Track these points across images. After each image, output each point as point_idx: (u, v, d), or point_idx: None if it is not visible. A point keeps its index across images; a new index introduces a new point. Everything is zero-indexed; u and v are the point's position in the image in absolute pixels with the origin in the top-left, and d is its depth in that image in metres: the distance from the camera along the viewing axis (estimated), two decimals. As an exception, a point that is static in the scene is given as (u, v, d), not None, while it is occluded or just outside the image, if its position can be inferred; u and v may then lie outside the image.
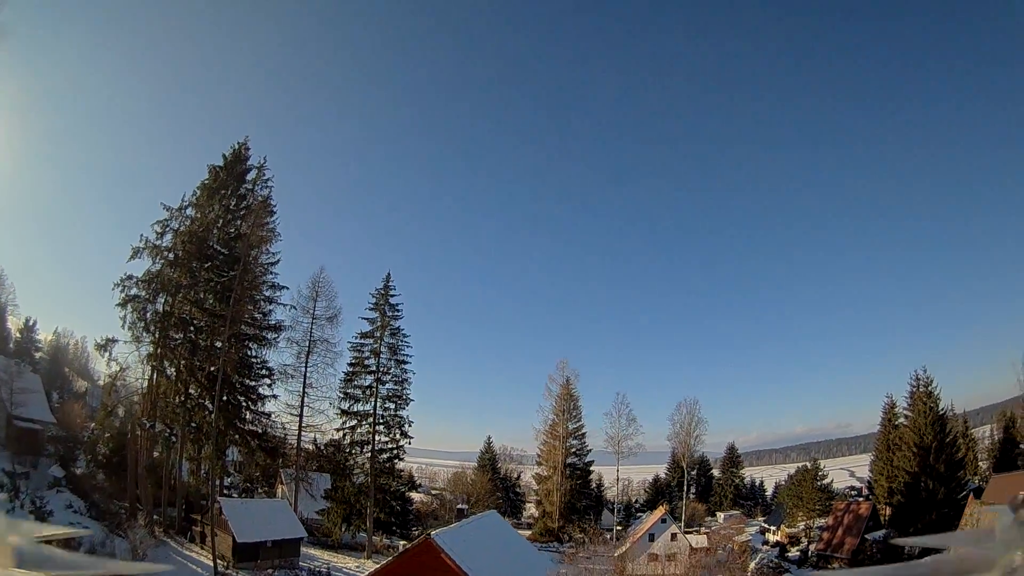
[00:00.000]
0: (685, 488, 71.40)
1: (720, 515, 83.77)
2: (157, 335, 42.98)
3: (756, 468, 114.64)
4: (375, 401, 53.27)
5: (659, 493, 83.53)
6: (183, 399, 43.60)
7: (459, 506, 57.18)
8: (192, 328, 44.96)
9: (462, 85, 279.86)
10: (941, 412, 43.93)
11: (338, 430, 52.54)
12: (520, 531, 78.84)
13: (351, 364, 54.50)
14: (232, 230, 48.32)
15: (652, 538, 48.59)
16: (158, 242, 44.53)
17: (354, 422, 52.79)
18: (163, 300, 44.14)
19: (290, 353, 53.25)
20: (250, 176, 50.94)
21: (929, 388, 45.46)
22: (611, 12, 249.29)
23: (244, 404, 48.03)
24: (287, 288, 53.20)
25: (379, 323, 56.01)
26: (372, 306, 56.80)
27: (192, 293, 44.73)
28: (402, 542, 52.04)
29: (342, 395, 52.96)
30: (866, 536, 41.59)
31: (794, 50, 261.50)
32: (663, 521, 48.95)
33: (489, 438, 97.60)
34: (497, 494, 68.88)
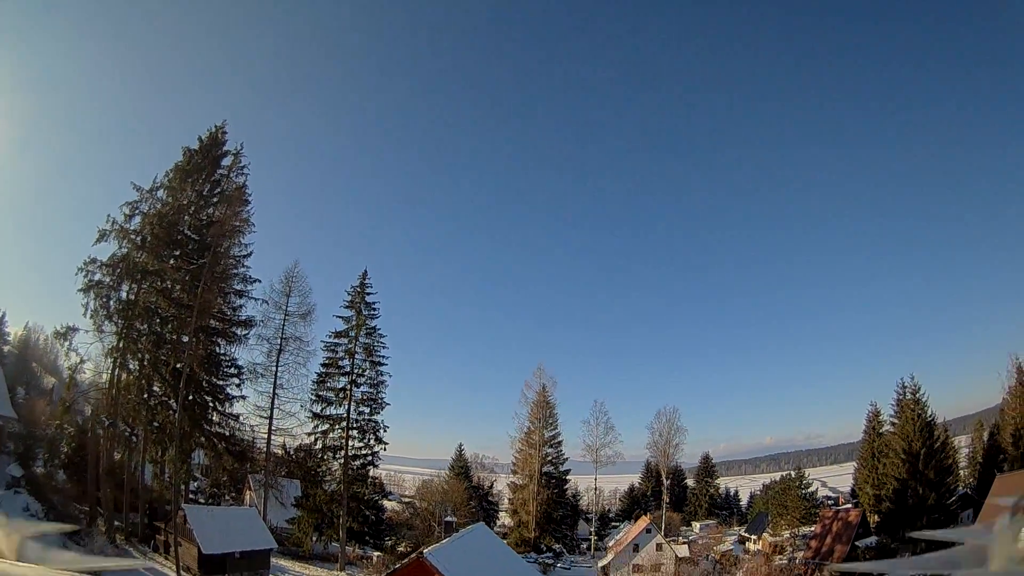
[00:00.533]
0: (665, 498, 70.15)
1: (696, 525, 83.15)
2: (120, 325, 39.47)
3: (726, 478, 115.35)
4: (349, 404, 49.89)
5: (635, 503, 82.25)
6: (145, 396, 39.78)
7: (447, 518, 54.20)
8: (158, 319, 41.41)
9: (442, 83, 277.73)
10: (929, 419, 44.14)
11: (309, 434, 48.98)
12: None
13: (324, 364, 51.09)
14: (204, 216, 45.20)
15: (637, 548, 46.93)
16: (126, 224, 41.07)
17: (326, 426, 49.27)
18: (128, 287, 40.74)
19: (260, 351, 49.55)
20: (226, 162, 47.67)
21: (917, 395, 45.75)
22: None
23: (211, 404, 44.65)
24: (259, 281, 49.64)
25: (354, 322, 52.86)
26: (347, 304, 53.63)
27: (159, 281, 41.60)
28: (376, 553, 48.80)
29: (314, 397, 49.47)
30: (856, 543, 41.00)
31: (760, 47, 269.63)
32: (648, 531, 47.40)
33: (460, 446, 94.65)
34: (472, 503, 65.88)
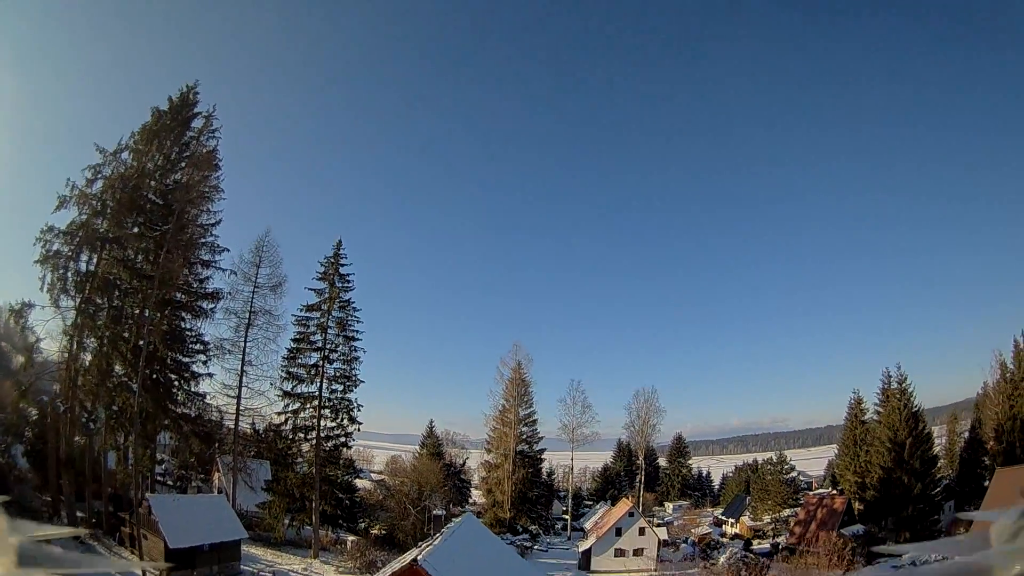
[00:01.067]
0: (642, 479, 69.92)
1: (669, 505, 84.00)
2: (78, 300, 36.07)
3: (696, 459, 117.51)
4: (321, 382, 46.64)
5: (608, 482, 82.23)
6: (104, 377, 35.95)
7: (435, 511, 52.14)
8: (117, 292, 37.55)
9: (419, 49, 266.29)
10: (915, 409, 44.14)
11: (279, 414, 45.58)
12: (468, 522, 74.89)
13: (295, 340, 47.50)
14: (171, 181, 41.48)
15: (619, 532, 45.91)
16: (87, 189, 37.26)
17: (297, 405, 45.97)
18: (87, 258, 37.10)
19: (228, 325, 45.51)
20: (196, 124, 43.87)
21: (903, 385, 45.69)
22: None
23: (176, 383, 41.16)
24: (228, 251, 45.67)
25: (327, 295, 49.23)
26: (320, 275, 49.83)
27: (119, 250, 38.03)
28: (350, 537, 46.38)
29: (284, 375, 45.98)
30: (842, 531, 40.92)
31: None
32: (631, 515, 46.38)
33: (431, 423, 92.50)
34: (447, 484, 64.08)
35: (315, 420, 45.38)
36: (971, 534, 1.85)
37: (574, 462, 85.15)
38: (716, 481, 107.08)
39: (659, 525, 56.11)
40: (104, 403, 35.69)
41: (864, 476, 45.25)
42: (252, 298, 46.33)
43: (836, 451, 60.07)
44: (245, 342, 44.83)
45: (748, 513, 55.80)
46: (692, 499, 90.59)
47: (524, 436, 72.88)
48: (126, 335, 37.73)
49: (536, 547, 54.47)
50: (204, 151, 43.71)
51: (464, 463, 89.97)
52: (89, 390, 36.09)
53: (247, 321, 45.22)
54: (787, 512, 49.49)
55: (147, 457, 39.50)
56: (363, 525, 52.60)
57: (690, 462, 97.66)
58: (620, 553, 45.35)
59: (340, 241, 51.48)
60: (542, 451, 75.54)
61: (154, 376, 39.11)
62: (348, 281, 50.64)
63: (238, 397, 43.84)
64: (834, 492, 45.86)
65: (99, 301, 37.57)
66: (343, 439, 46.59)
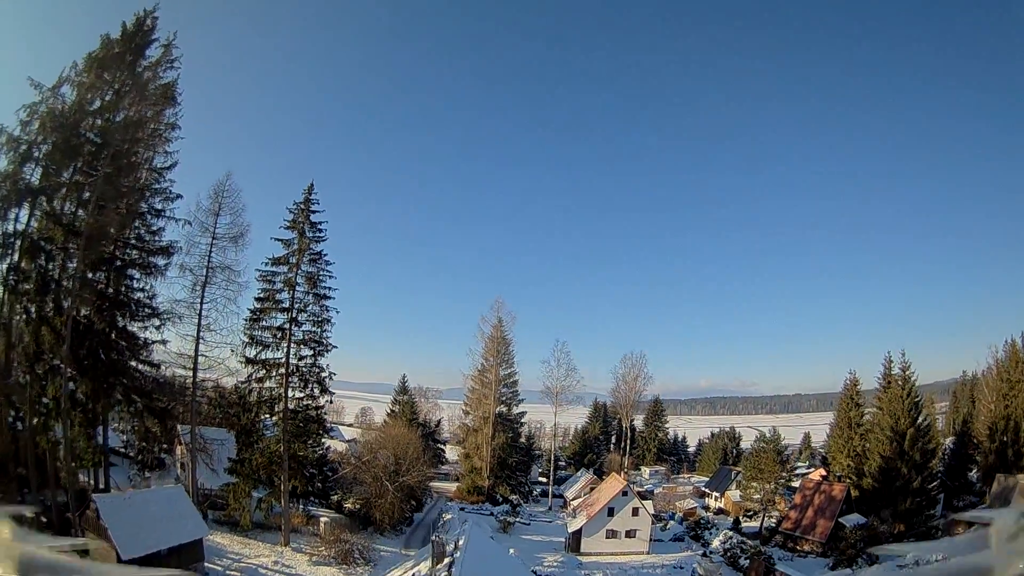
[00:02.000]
0: (626, 445, 68.65)
1: (645, 470, 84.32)
2: (6, 268, 29.85)
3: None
4: (288, 346, 41.12)
5: (586, 446, 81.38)
6: (34, 360, 29.97)
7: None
8: (43, 254, 30.73)
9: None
10: (917, 399, 42.73)
11: (242, 383, 40.18)
12: (443, 485, 72.75)
13: (259, 299, 41.42)
14: (121, 119, 34.42)
15: (611, 512, 43.91)
16: (19, 133, 30.20)
17: (262, 373, 40.52)
18: (13, 215, 30.28)
19: (182, 285, 38.80)
20: (153, 53, 36.54)
21: (907, 373, 44.07)
22: None
23: (124, 354, 35.05)
24: (181, 197, 38.53)
25: (296, 246, 42.90)
26: (289, 223, 43.18)
27: (50, 202, 31.36)
28: (324, 516, 42.73)
29: (247, 339, 40.12)
30: (840, 520, 39.95)
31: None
32: (624, 494, 44.23)
33: (404, 377, 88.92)
34: (426, 453, 61.16)
35: (282, 391, 40.33)
36: (971, 534, 1.85)
37: (547, 418, 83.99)
38: (691, 445, 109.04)
39: (644, 497, 54.92)
40: (34, 389, 29.53)
41: (861, 463, 44.35)
42: (210, 252, 39.36)
43: (827, 432, 59.54)
44: (201, 303, 38.33)
45: (735, 488, 55.40)
46: (668, 464, 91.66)
47: (504, 398, 70.11)
48: (57, 305, 31.10)
49: (519, 520, 52.44)
50: (161, 84, 36.80)
51: (439, 423, 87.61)
52: (23, 373, 30.01)
53: (204, 279, 38.55)
54: (772, 487, 48.49)
55: (91, 449, 33.97)
56: (336, 498, 49.13)
57: (667, 426, 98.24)
58: (612, 534, 43.54)
59: (312, 185, 44.71)
60: (522, 415, 73.17)
61: (94, 350, 33.03)
62: (320, 230, 44.35)
63: (194, 368, 37.86)
64: (826, 475, 44.90)
65: (26, 266, 30.87)
66: (314, 412, 41.77)
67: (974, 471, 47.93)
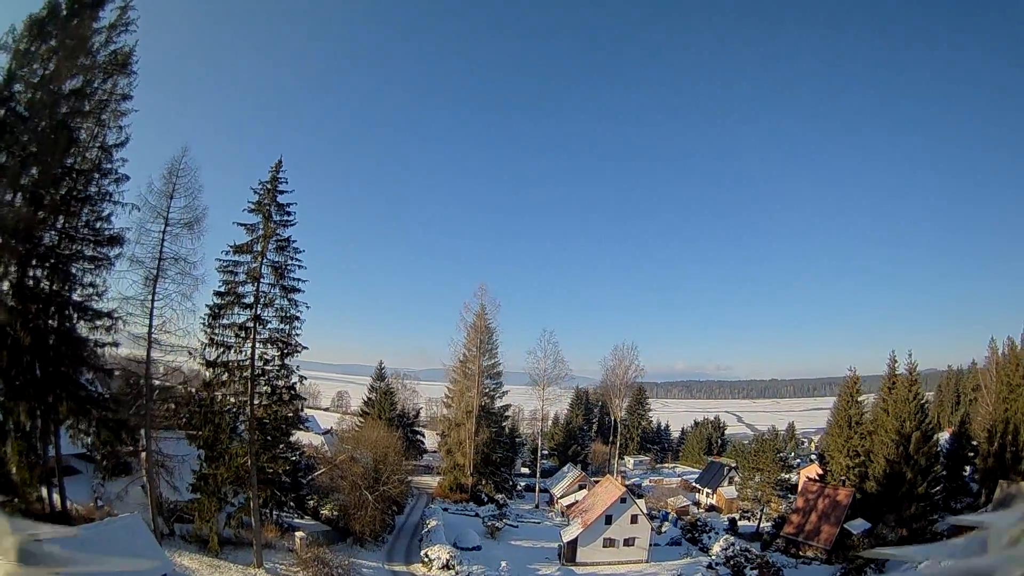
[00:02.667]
0: (616, 441, 66.65)
1: (629, 460, 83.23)
2: None
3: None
4: (253, 348, 36.32)
5: (571, 437, 79.27)
6: None
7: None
8: None
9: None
10: (923, 401, 41.50)
11: (202, 389, 35.47)
12: (425, 479, 69.52)
13: (219, 293, 36.25)
14: (66, 89, 30.11)
15: (609, 520, 41.61)
16: None
17: (224, 377, 35.73)
18: None
19: (131, 280, 33.22)
20: (107, 15, 31.70)
21: (914, 374, 42.74)
22: None
23: (67, 363, 30.45)
24: (128, 178, 32.92)
25: (261, 231, 37.63)
26: (253, 206, 37.73)
27: None
28: (299, 533, 38.78)
29: (207, 340, 35.18)
30: (845, 526, 38.64)
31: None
32: (623, 501, 41.91)
33: (381, 364, 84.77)
34: (408, 451, 57.54)
35: (247, 397, 35.68)
36: (970, 537, 1.86)
37: (543, 419, 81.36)
38: (674, 432, 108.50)
39: (637, 495, 53.07)
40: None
41: (865, 465, 43.14)
42: (163, 240, 33.86)
43: (824, 428, 58.70)
44: (153, 301, 32.98)
45: (728, 485, 54.38)
46: (652, 453, 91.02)
47: (487, 390, 66.88)
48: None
49: (507, 522, 49.68)
50: (114, 50, 31.94)
51: (417, 414, 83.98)
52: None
53: (155, 272, 33.11)
54: (770, 489, 47.34)
55: (34, 479, 29.05)
56: (313, 503, 45.33)
57: (650, 413, 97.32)
58: (610, 543, 41.28)
59: (280, 161, 39.15)
60: (507, 407, 70.28)
61: (29, 364, 28.05)
62: (288, 213, 39.02)
63: (146, 376, 32.76)
64: (823, 474, 43.68)
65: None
66: (285, 423, 37.41)
67: (968, 471, 47.82)
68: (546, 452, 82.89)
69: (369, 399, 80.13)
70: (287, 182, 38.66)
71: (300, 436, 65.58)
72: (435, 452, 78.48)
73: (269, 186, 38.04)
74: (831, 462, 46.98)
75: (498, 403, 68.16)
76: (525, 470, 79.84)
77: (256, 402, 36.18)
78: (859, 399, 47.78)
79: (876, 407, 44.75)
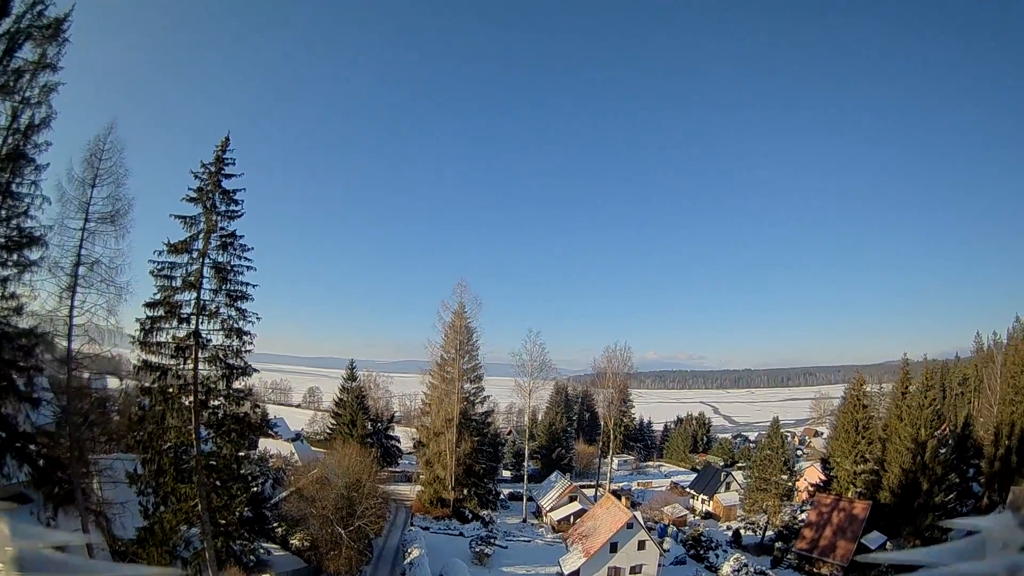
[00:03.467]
0: (611, 447, 63.03)
1: (613, 460, 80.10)
2: None
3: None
4: (195, 370, 29.94)
5: (554, 440, 75.41)
6: None
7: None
8: None
9: None
10: (939, 408, 39.48)
11: (139, 421, 29.14)
12: (401, 489, 64.06)
13: (151, 304, 29.59)
14: None
15: (614, 548, 37.85)
16: None
17: (160, 407, 29.29)
18: None
19: (49, 292, 25.90)
20: None
21: (929, 381, 40.64)
22: None
23: None
24: (48, 165, 25.88)
25: (202, 225, 31.02)
26: (192, 194, 31.06)
27: None
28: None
29: (140, 363, 28.89)
30: (863, 542, 36.24)
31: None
32: (629, 527, 38.17)
33: (352, 363, 78.48)
34: (382, 463, 52.03)
35: (191, 428, 29.42)
36: (969, 539, 1.85)
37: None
38: (656, 427, 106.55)
39: (634, 505, 49.72)
40: None
41: (877, 474, 40.92)
42: (82, 240, 26.61)
43: (828, 433, 56.82)
44: (71, 316, 25.91)
45: (725, 491, 52.02)
46: (636, 451, 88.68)
47: (468, 395, 61.91)
48: None
49: (496, 542, 45.18)
50: (45, 22, 24.57)
51: (392, 418, 78.11)
52: None
53: (73, 279, 25.98)
54: (778, 501, 44.96)
55: None
56: (282, 531, 39.56)
57: (633, 411, 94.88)
58: (615, 572, 37.53)
59: (227, 139, 32.41)
60: (489, 413, 65.65)
61: None
62: (236, 202, 32.33)
63: (66, 407, 25.82)
64: (827, 480, 41.42)
65: None
66: (235, 457, 31.32)
67: (971, 472, 46.88)
68: (529, 448, 79.05)
69: (341, 400, 74.07)
70: (235, 163, 31.93)
71: (267, 445, 59.46)
72: (411, 454, 73.32)
73: (213, 168, 31.27)
74: (836, 468, 44.91)
75: (480, 408, 63.44)
76: (507, 474, 75.74)
77: (203, 433, 30.09)
78: (865, 403, 45.69)
79: (890, 413, 42.75)
